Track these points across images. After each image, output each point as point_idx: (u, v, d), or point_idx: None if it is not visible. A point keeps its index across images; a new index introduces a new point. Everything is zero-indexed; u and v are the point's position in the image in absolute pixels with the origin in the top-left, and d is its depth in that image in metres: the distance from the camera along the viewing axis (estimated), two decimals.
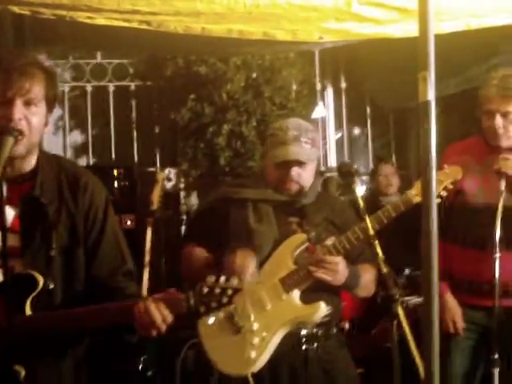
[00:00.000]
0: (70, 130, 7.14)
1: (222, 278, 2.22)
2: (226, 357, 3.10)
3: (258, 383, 3.05)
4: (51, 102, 2.32)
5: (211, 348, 3.13)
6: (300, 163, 3.21)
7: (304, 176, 3.25)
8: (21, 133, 2.19)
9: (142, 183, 6.74)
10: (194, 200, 6.85)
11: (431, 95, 1.96)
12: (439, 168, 2.97)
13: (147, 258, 4.52)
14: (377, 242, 2.81)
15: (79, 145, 7.22)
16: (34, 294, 2.24)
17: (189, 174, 6.72)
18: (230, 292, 2.21)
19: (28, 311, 2.22)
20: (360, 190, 3.22)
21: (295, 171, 3.21)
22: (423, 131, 1.99)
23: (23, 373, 2.17)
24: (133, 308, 2.22)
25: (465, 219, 3.48)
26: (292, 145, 3.19)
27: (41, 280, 2.24)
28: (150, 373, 4.54)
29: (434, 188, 1.98)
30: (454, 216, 3.48)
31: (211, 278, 2.23)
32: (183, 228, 6.65)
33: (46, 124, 2.33)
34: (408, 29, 3.81)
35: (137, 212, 6.24)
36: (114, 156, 7.06)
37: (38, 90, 2.24)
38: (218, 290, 2.21)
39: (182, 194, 6.88)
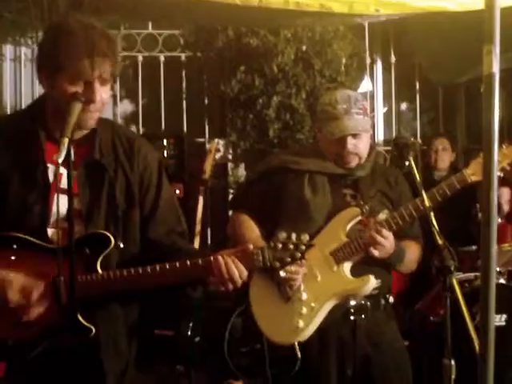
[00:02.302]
0: (120, 100, 7.19)
1: (294, 235, 2.26)
2: (274, 325, 3.15)
3: (306, 352, 3.09)
4: (115, 75, 2.37)
5: (260, 316, 3.18)
6: (355, 135, 3.21)
7: (361, 146, 3.24)
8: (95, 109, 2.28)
9: (190, 153, 6.81)
10: (241, 171, 6.87)
11: (496, 68, 1.95)
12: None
13: (198, 228, 4.55)
14: (432, 215, 2.81)
15: (129, 114, 7.28)
16: (105, 253, 2.29)
17: (237, 145, 6.73)
18: (303, 247, 2.25)
19: (99, 270, 2.28)
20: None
21: (351, 144, 3.20)
22: (486, 105, 1.97)
23: (93, 331, 2.24)
24: (210, 263, 2.27)
25: None
26: (344, 118, 3.18)
27: (112, 239, 2.30)
28: (197, 339, 4.61)
29: (496, 165, 1.97)
30: None
31: (283, 234, 2.26)
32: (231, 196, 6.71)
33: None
34: (463, 2, 3.79)
35: (185, 181, 6.31)
36: (163, 126, 7.10)
37: (111, 70, 2.29)
38: (291, 246, 2.25)
39: (230, 165, 6.91)
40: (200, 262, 2.29)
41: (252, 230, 3.29)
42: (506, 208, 5.44)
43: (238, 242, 3.19)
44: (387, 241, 3.06)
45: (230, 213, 3.48)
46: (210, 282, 2.31)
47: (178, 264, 2.28)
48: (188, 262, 2.28)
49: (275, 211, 3.22)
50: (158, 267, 2.28)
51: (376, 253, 3.05)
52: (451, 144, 6.08)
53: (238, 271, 2.26)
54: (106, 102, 2.35)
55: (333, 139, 3.21)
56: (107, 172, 2.40)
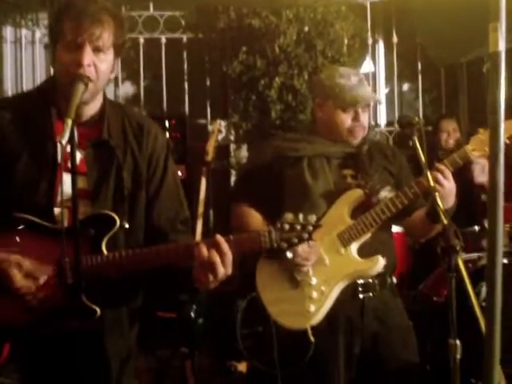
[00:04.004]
0: (122, 82, 7.18)
1: (301, 215, 2.25)
2: (284, 310, 3.14)
3: (316, 332, 3.10)
4: (119, 48, 2.34)
5: (269, 301, 3.17)
6: (364, 108, 3.22)
7: (367, 120, 3.26)
8: (89, 80, 2.23)
9: (192, 135, 6.80)
10: (243, 152, 6.86)
11: (502, 45, 1.94)
12: None
13: (201, 209, 4.54)
14: (437, 193, 2.80)
15: (130, 96, 7.27)
16: (110, 234, 2.28)
17: (239, 126, 6.73)
18: (310, 228, 2.24)
19: (105, 251, 2.27)
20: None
21: (364, 116, 3.22)
22: (492, 83, 1.96)
23: (98, 312, 2.24)
24: (191, 248, 2.25)
25: None
26: (360, 89, 3.20)
27: (117, 220, 2.29)
28: (200, 320, 4.63)
29: (502, 142, 1.97)
30: None
31: (289, 215, 2.25)
32: (232, 180, 6.71)
33: (112, 70, 2.37)
34: None
35: (187, 163, 6.30)
36: (165, 108, 7.08)
37: (107, 36, 2.26)
38: (298, 227, 2.24)
39: (232, 146, 6.90)
40: (182, 244, 2.28)
41: (256, 217, 3.28)
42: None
43: (244, 231, 3.18)
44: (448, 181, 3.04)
45: (232, 205, 3.44)
46: (196, 278, 2.28)
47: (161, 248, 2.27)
48: (170, 246, 2.28)
49: (277, 200, 3.20)
50: (166, 247, 2.28)
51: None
52: (459, 125, 6.10)
53: (221, 259, 2.20)
54: (105, 74, 2.31)
55: (343, 113, 3.20)
56: (115, 153, 2.39)
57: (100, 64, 2.28)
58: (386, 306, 3.24)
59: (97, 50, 2.26)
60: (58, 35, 2.28)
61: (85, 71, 2.23)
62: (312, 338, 3.07)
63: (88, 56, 2.24)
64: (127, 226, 2.33)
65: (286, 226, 2.23)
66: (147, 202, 2.46)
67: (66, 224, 2.22)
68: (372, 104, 3.27)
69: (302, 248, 2.28)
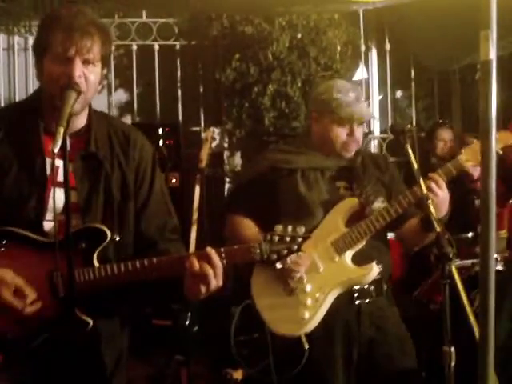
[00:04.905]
0: (115, 89, 7.17)
1: (290, 227, 2.27)
2: (278, 317, 3.15)
3: (312, 339, 3.10)
4: (106, 60, 2.37)
5: (263, 308, 3.18)
6: (362, 123, 3.24)
7: (361, 134, 3.28)
8: (79, 91, 2.23)
9: (186, 142, 6.80)
10: (237, 160, 6.87)
11: (493, 54, 1.94)
12: None
13: (195, 216, 4.55)
14: (430, 202, 2.82)
15: (124, 104, 7.26)
16: (101, 247, 2.29)
17: (233, 133, 6.73)
18: (299, 240, 2.26)
19: (96, 264, 2.27)
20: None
21: (358, 131, 3.24)
22: (483, 92, 1.96)
23: (91, 324, 2.24)
24: (183, 259, 2.26)
25: None
26: (356, 105, 3.22)
27: (108, 233, 2.29)
28: (195, 328, 4.62)
29: (494, 152, 1.97)
30: None
31: (279, 227, 2.27)
32: (226, 187, 6.71)
33: (100, 82, 2.38)
34: None
35: (181, 170, 6.30)
36: (158, 115, 7.08)
37: (96, 49, 2.28)
38: (287, 238, 2.26)
39: (226, 153, 6.90)
40: (174, 257, 2.29)
41: (250, 228, 3.30)
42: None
43: (239, 241, 3.19)
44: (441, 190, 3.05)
45: (227, 216, 3.44)
46: (187, 289, 2.28)
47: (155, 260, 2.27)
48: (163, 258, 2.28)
49: (272, 211, 3.22)
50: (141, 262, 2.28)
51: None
52: (453, 133, 6.11)
53: (212, 270, 2.21)
54: (94, 85, 2.32)
55: (338, 127, 3.22)
56: (103, 165, 2.39)
57: (90, 75, 2.28)
58: (383, 312, 3.25)
59: (86, 62, 2.27)
60: (45, 47, 2.28)
61: (75, 82, 2.23)
62: (306, 345, 3.07)
63: (78, 68, 2.25)
64: (118, 238, 2.34)
65: (276, 238, 2.26)
66: (136, 213, 2.46)
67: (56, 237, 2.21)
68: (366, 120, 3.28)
69: (290, 258, 2.30)
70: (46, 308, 2.23)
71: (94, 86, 2.32)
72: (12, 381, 2.29)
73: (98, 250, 2.28)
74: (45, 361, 2.29)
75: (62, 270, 2.14)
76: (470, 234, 4.87)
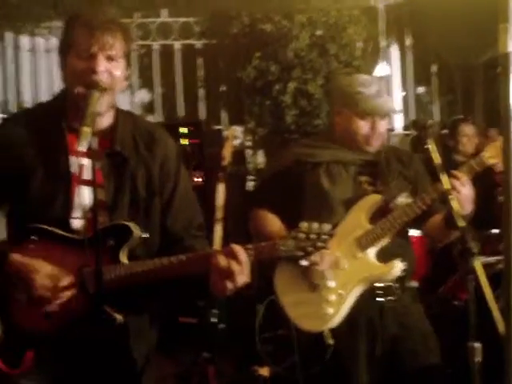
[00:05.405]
0: (137, 89, 7.21)
1: (315, 224, 2.27)
2: (303, 313, 3.15)
3: (336, 335, 3.11)
4: (128, 58, 2.37)
5: (287, 305, 3.19)
6: (383, 116, 3.24)
7: (384, 128, 3.27)
8: (103, 89, 2.26)
9: (208, 141, 6.82)
10: (260, 158, 6.88)
11: (511, 47, 1.93)
12: None
13: (220, 214, 4.54)
14: (452, 198, 2.81)
15: (146, 103, 7.31)
16: (129, 244, 2.30)
17: (255, 131, 6.75)
18: (324, 237, 2.26)
19: (124, 260, 2.29)
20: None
21: (381, 125, 3.24)
22: (503, 85, 1.95)
23: (120, 320, 2.26)
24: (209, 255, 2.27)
25: None
26: (379, 99, 3.20)
27: (135, 230, 2.31)
28: (221, 326, 4.64)
29: None
30: None
31: (304, 224, 2.27)
32: (248, 185, 6.72)
33: (126, 78, 2.38)
34: None
35: (205, 169, 6.32)
36: (180, 114, 7.10)
37: (119, 46, 2.29)
38: (313, 235, 2.26)
39: (248, 151, 6.92)
40: (201, 254, 2.29)
41: (275, 223, 3.29)
42: None
43: (263, 236, 3.19)
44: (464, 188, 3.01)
45: (250, 211, 3.45)
46: (213, 286, 2.28)
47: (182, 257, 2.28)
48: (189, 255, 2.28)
49: (296, 206, 3.22)
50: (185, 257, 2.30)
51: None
52: (476, 129, 6.05)
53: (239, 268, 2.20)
54: (120, 81, 2.33)
55: (361, 121, 3.21)
56: (128, 163, 2.42)
57: (114, 70, 2.30)
58: (406, 309, 3.24)
59: (109, 58, 2.29)
60: (69, 44, 2.30)
61: (99, 77, 2.26)
62: (330, 341, 3.08)
63: (102, 63, 2.27)
64: (146, 235, 2.35)
65: (301, 235, 2.26)
66: (162, 209, 2.48)
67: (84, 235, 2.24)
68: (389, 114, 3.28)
69: (315, 255, 2.30)
70: (74, 304, 2.26)
71: (119, 82, 2.33)
72: (42, 377, 2.32)
73: (125, 247, 2.31)
74: (75, 357, 2.31)
75: (91, 266, 2.17)
76: (495, 231, 4.84)
